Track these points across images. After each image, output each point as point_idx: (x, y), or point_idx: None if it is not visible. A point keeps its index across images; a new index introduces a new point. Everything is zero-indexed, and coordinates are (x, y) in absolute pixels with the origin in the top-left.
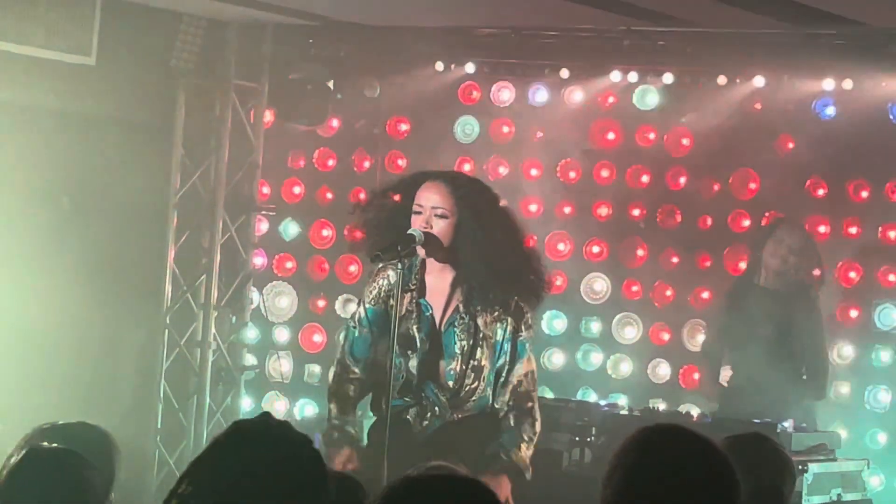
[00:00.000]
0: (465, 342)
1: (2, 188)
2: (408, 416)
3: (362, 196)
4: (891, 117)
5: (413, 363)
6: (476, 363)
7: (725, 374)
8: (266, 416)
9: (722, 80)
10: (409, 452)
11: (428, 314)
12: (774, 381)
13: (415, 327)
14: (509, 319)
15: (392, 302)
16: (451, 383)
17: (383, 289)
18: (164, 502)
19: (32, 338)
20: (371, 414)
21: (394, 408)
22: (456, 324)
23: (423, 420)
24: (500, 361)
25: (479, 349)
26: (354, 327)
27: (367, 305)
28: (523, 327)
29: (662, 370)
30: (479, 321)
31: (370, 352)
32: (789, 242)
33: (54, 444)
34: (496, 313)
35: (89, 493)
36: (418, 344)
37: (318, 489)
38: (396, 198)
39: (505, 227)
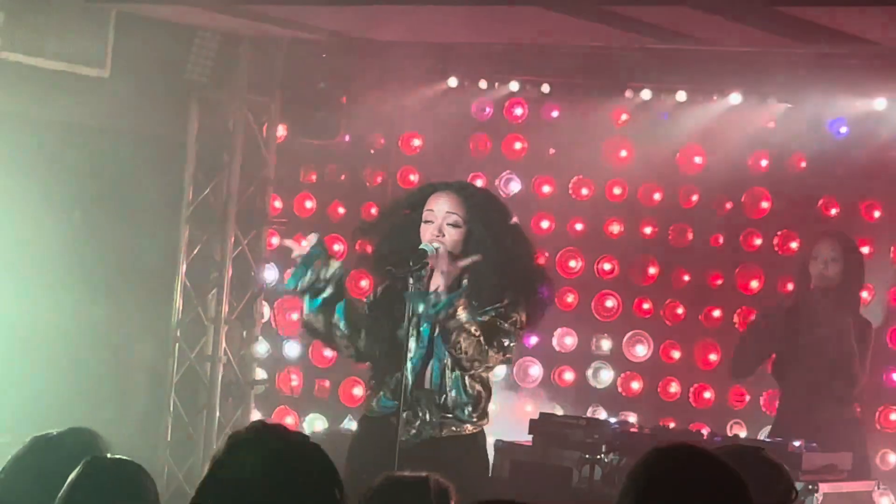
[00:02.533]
0: (453, 343)
1: (14, 200)
2: (394, 420)
3: (373, 211)
4: None
5: (408, 367)
6: (457, 360)
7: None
8: (260, 423)
9: (735, 98)
10: (391, 459)
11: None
12: (820, 401)
13: (416, 331)
14: (498, 321)
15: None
16: (437, 383)
17: (391, 289)
18: None
19: (42, 350)
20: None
21: (386, 409)
22: (449, 327)
23: (410, 427)
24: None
25: (462, 348)
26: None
27: (373, 296)
28: (508, 323)
29: (673, 388)
30: (473, 322)
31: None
32: (826, 254)
33: (110, 455)
34: (488, 317)
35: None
36: (415, 347)
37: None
38: (405, 211)
39: (515, 238)
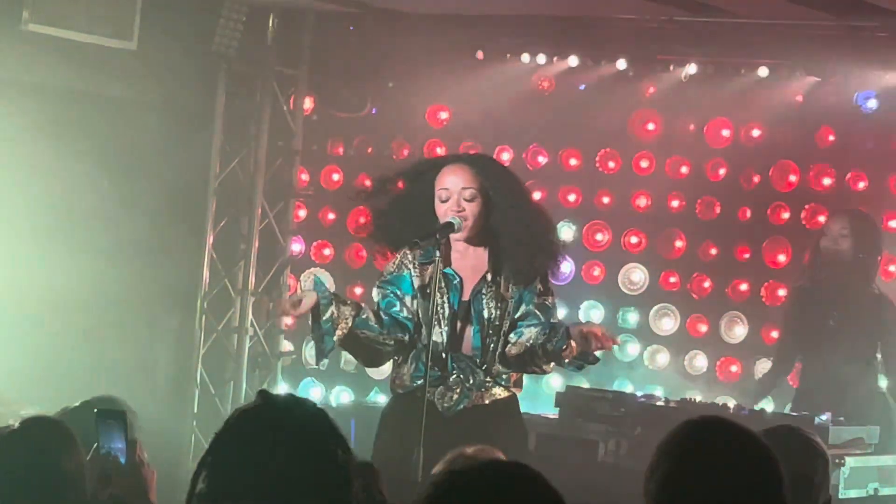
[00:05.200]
0: (493, 310)
1: (43, 170)
2: (430, 393)
3: (367, 182)
4: None
5: (440, 333)
6: (501, 329)
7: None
8: (292, 396)
9: (763, 71)
10: (435, 432)
11: (456, 283)
12: (843, 378)
13: (445, 298)
14: (537, 283)
15: (412, 271)
16: (478, 349)
17: (403, 262)
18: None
19: (70, 321)
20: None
21: (418, 382)
22: (484, 292)
23: (450, 394)
24: (521, 317)
25: (504, 317)
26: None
27: (385, 276)
28: (549, 293)
29: (699, 362)
30: (507, 290)
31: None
32: (838, 230)
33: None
34: (523, 279)
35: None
36: (447, 313)
37: (344, 477)
38: (410, 184)
39: (528, 198)
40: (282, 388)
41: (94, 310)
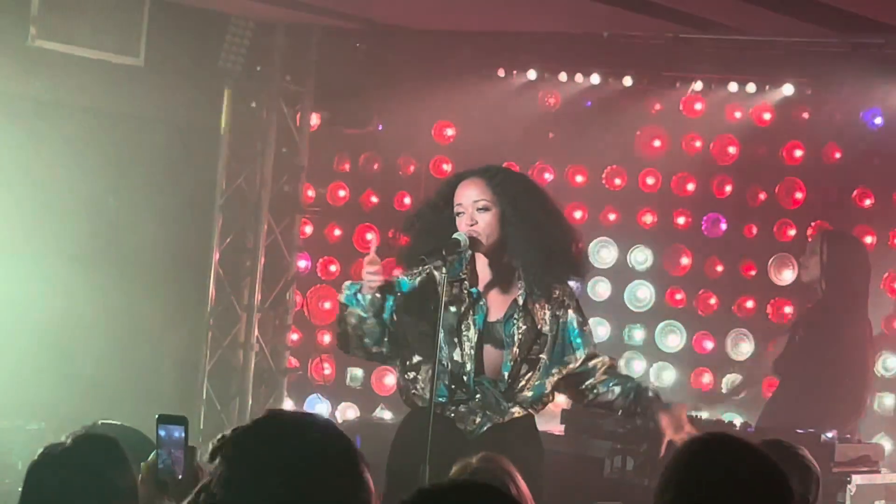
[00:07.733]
0: (524, 334)
1: (49, 187)
2: (451, 413)
3: (406, 200)
4: None
5: (463, 354)
6: (533, 356)
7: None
8: (305, 413)
9: (769, 88)
10: (457, 452)
11: (482, 304)
12: (818, 393)
13: (469, 318)
14: (570, 311)
15: (431, 285)
16: (506, 374)
17: (425, 272)
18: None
19: (76, 337)
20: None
21: (438, 399)
22: (515, 316)
23: (473, 417)
24: (567, 355)
25: (536, 342)
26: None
27: (403, 278)
28: (585, 321)
29: (706, 378)
30: (538, 313)
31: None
32: (808, 248)
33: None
34: (555, 301)
35: (110, 492)
36: (472, 334)
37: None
38: (439, 204)
39: (544, 207)
40: (287, 405)
41: (99, 325)
